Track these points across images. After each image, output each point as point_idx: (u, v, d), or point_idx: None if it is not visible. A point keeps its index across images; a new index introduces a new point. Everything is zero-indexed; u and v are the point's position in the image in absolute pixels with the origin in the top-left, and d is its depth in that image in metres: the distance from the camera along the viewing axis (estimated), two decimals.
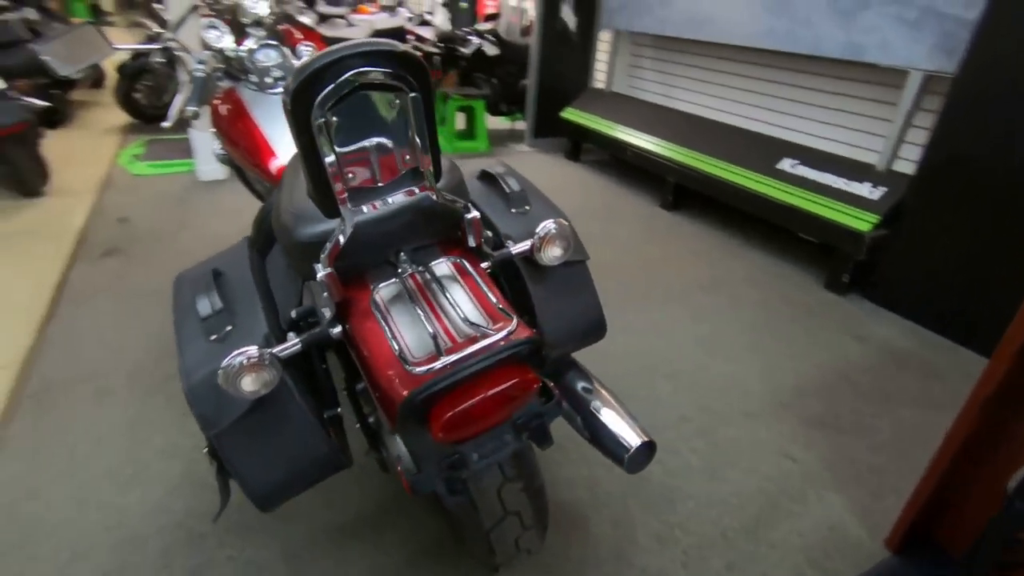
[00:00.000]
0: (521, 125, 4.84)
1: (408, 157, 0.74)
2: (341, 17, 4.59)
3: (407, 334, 0.76)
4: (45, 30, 3.79)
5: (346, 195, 0.72)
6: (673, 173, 3.37)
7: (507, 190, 1.14)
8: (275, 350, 0.78)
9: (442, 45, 4.42)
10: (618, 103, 4.12)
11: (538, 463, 1.03)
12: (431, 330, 0.74)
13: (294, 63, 1.66)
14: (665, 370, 1.96)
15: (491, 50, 4.50)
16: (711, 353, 2.08)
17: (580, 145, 4.39)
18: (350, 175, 0.72)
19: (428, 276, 0.84)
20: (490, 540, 0.96)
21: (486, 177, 1.20)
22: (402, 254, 0.86)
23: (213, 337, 0.85)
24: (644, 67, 4.13)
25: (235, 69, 1.68)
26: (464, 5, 6.28)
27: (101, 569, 1.20)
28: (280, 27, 3.58)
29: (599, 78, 4.52)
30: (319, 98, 0.63)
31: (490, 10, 5.88)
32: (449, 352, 0.71)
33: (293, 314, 0.90)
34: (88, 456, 1.49)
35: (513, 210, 1.11)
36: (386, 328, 0.76)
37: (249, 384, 0.76)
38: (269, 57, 1.64)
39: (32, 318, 2.01)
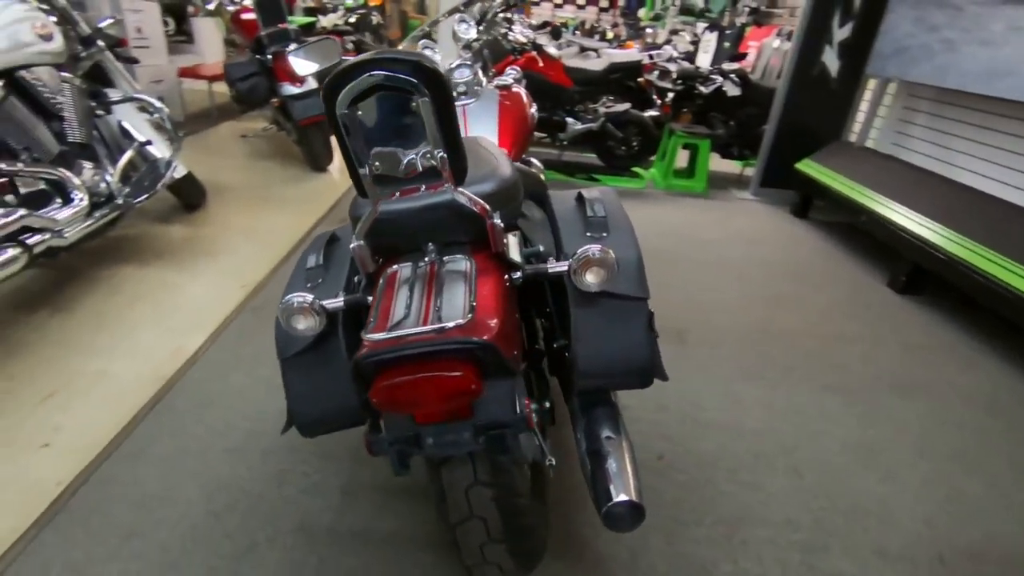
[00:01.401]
0: (751, 172, 4.50)
1: (428, 156, 0.83)
2: (594, 50, 4.90)
3: (394, 309, 0.85)
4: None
5: (371, 179, 0.84)
6: (915, 251, 2.77)
7: (589, 214, 1.15)
8: (325, 302, 0.95)
9: (680, 82, 4.38)
10: (869, 160, 3.54)
11: (525, 483, 1.01)
12: (406, 310, 0.81)
13: (483, 82, 1.89)
14: (791, 462, 1.66)
15: (732, 91, 4.29)
16: (863, 463, 1.68)
17: (810, 202, 3.89)
18: (376, 164, 0.83)
19: (441, 267, 0.92)
20: (456, 535, 0.98)
21: (579, 199, 1.22)
22: (431, 245, 0.95)
23: (308, 284, 1.06)
24: (915, 123, 3.47)
25: None
26: (727, 45, 6.10)
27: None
28: (525, 52, 3.98)
29: (854, 130, 3.94)
30: (341, 93, 0.76)
31: (751, 50, 5.59)
32: (397, 329, 0.78)
33: (356, 279, 1.06)
34: (259, 360, 1.93)
35: (589, 234, 1.11)
36: (380, 300, 0.86)
37: (298, 323, 0.93)
38: (463, 75, 1.89)
39: (276, 256, 2.67)
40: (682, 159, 4.54)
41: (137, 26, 4.10)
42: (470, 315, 0.77)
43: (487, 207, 0.90)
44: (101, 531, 1.31)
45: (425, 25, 2.03)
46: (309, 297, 0.90)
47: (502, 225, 0.93)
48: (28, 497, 1.36)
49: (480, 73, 1.91)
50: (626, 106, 4.24)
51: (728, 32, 6.16)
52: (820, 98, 3.94)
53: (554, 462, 1.18)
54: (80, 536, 1.29)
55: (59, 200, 2.01)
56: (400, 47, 1.92)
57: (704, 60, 6.36)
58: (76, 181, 2.05)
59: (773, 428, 1.80)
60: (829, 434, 1.80)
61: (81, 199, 2.05)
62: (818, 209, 3.93)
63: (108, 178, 2.25)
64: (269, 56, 3.37)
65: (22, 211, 1.77)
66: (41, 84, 2.09)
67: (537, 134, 4.72)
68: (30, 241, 1.80)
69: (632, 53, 4.68)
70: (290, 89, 3.36)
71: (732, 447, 1.70)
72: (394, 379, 0.75)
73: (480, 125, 1.74)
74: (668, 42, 6.76)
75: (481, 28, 2.00)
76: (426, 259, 0.93)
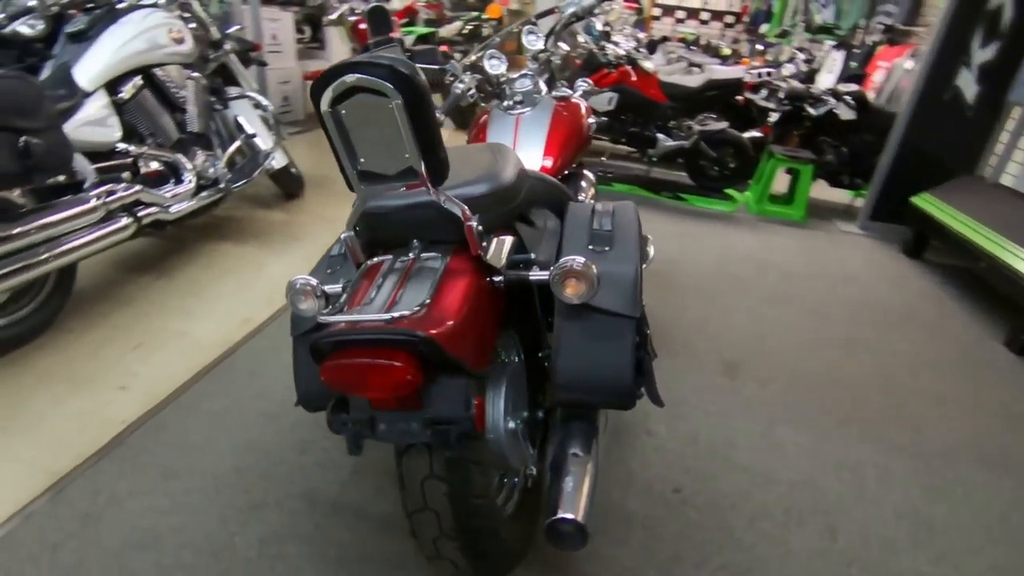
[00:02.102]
0: (861, 203, 4.10)
1: (407, 156, 0.87)
2: (699, 66, 4.74)
3: (362, 296, 0.89)
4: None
5: (356, 175, 0.89)
6: None
7: (595, 226, 1.13)
8: (326, 286, 1.02)
9: (787, 103, 4.10)
10: (1001, 200, 3.09)
11: (485, 484, 1.01)
12: (371, 299, 0.86)
13: (542, 92, 1.91)
14: (826, 523, 1.50)
15: (845, 114, 3.95)
16: (917, 539, 1.47)
17: (925, 241, 3.46)
18: (362, 160, 0.89)
19: (418, 263, 0.95)
20: (412, 523, 1.01)
21: (593, 211, 1.21)
22: (415, 242, 0.99)
23: (328, 271, 1.15)
24: None
25: (492, 91, 2.01)
26: (854, 65, 5.62)
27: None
28: (619, 66, 3.95)
29: (988, 164, 3.46)
30: (324, 94, 0.82)
31: (879, 71, 5.09)
32: (354, 314, 0.82)
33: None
34: None
35: (592, 247, 1.10)
36: (354, 287, 0.91)
37: (300, 303, 1.01)
38: (523, 85, 1.93)
39: None
40: (783, 184, 4.25)
41: (273, 33, 4.60)
42: (418, 309, 0.80)
43: (466, 210, 0.92)
44: (146, 469, 1.49)
45: (496, 36, 2.10)
46: (313, 281, 0.97)
47: (480, 228, 0.94)
48: (97, 429, 1.59)
49: (540, 83, 1.93)
50: (723, 125, 4.05)
51: (856, 51, 5.66)
52: (949, 126, 3.51)
53: (534, 471, 1.17)
54: (128, 470, 1.48)
55: (172, 180, 2.33)
56: (473, 57, 2.00)
57: (828, 80, 5.89)
58: (188, 165, 2.36)
59: (813, 482, 1.63)
60: (882, 501, 1.60)
61: (190, 181, 2.35)
62: (935, 250, 3.49)
63: (216, 164, 2.55)
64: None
65: (138, 187, 2.07)
66: (170, 80, 2.43)
67: (626, 149, 4.65)
68: (140, 213, 2.10)
69: (734, 70, 4.46)
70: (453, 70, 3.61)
71: (760, 494, 1.57)
72: (340, 360, 0.80)
73: (530, 133, 1.77)
74: (791, 60, 6.35)
75: (549, 41, 2.02)
76: (409, 255, 0.97)
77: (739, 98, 4.21)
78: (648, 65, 4.07)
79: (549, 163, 1.69)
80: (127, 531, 1.32)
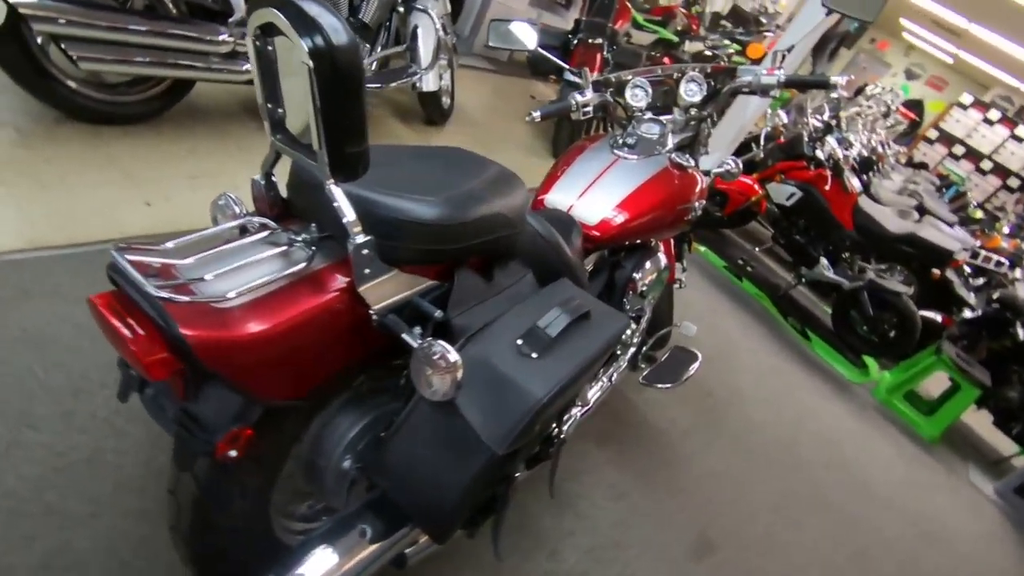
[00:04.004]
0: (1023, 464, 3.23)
1: (312, 131, 0.70)
2: (924, 212, 3.95)
3: (206, 251, 0.76)
4: None
5: (270, 121, 0.75)
6: None
7: (540, 323, 0.89)
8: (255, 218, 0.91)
9: (996, 305, 3.27)
10: None
11: (240, 507, 0.87)
12: (206, 256, 0.73)
13: (666, 147, 1.62)
14: None
15: None
16: None
17: None
18: (280, 110, 0.74)
19: (290, 250, 0.79)
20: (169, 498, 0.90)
21: (563, 303, 0.96)
22: (313, 227, 0.83)
23: None
24: None
25: (614, 118, 1.73)
26: None
27: None
28: (820, 167, 3.39)
29: None
30: (251, 18, 0.67)
31: None
32: (165, 258, 0.70)
33: None
34: None
35: (520, 343, 0.87)
36: (216, 239, 0.79)
37: (218, 219, 0.92)
38: (649, 130, 1.65)
39: None
40: (936, 385, 3.46)
41: None
42: (216, 299, 0.66)
43: (355, 225, 0.74)
44: (94, 277, 1.55)
45: (658, 69, 1.81)
46: (237, 208, 0.87)
47: (371, 253, 0.76)
48: (98, 226, 1.68)
49: (669, 138, 1.64)
50: (901, 288, 3.35)
51: None
52: None
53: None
54: (85, 272, 1.54)
55: None
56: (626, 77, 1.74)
57: None
58: None
59: None
60: None
61: None
62: None
63: (367, 60, 2.58)
64: (575, 40, 3.47)
65: None
66: None
67: (785, 257, 4.06)
68: None
69: (954, 239, 3.64)
70: (570, 77, 3.43)
71: None
72: (100, 299, 0.68)
73: (616, 181, 1.51)
74: None
75: (711, 101, 1.70)
76: (300, 236, 0.82)
77: (936, 271, 3.44)
78: (854, 183, 3.44)
79: (611, 220, 1.44)
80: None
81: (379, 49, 2.66)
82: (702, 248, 3.96)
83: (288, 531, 1.04)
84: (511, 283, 1.03)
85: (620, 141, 1.60)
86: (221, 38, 1.99)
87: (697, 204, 1.66)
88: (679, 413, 2.27)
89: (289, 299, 0.73)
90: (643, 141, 1.61)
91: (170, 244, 0.73)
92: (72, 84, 1.84)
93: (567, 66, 1.73)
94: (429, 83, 2.94)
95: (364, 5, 2.52)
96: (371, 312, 0.80)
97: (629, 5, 4.72)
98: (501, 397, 0.81)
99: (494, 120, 4.10)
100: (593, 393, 1.61)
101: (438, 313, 0.85)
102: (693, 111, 1.73)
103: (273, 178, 0.86)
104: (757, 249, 4.39)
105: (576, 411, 1.49)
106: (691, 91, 1.69)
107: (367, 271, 0.78)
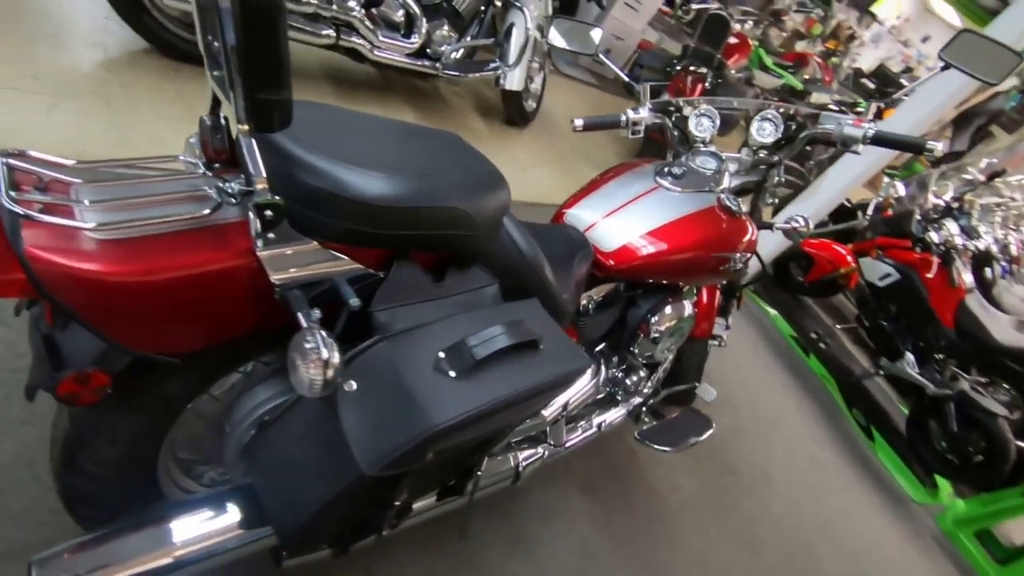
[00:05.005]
0: None
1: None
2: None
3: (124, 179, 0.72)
4: None
5: (205, 58, 0.68)
6: None
7: (471, 343, 0.77)
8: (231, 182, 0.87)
9: None
10: None
11: (113, 453, 0.81)
12: (117, 183, 0.68)
13: (721, 186, 1.43)
14: None
15: None
16: None
17: None
18: (217, 44, 0.67)
19: (209, 196, 0.72)
20: None
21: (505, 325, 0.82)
22: (243, 176, 0.76)
23: None
24: None
25: (672, 144, 1.56)
26: None
27: None
28: (925, 252, 2.97)
29: None
30: None
31: None
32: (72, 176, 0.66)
33: None
34: None
35: (442, 355, 0.75)
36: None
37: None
38: (705, 164, 1.46)
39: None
40: (1021, 530, 2.92)
41: None
42: (90, 226, 0.60)
43: (261, 175, 0.66)
44: None
45: (734, 102, 1.61)
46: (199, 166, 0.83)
47: (271, 215, 0.68)
48: (146, 153, 1.74)
49: (726, 177, 1.46)
50: (1000, 411, 2.84)
51: None
52: None
53: None
54: None
55: (400, 31, 2.39)
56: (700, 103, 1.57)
57: None
58: (423, 28, 2.40)
59: None
60: None
61: (413, 42, 2.39)
62: None
63: (453, 46, 2.56)
64: (678, 66, 3.28)
65: (356, 11, 2.15)
66: None
67: (867, 342, 3.61)
68: (343, 36, 2.20)
69: None
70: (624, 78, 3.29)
71: None
72: None
73: (649, 209, 1.35)
74: None
75: (786, 146, 1.49)
76: (232, 182, 0.75)
77: None
78: (965, 278, 2.97)
79: (631, 250, 1.29)
80: None
81: (467, 39, 2.63)
82: (771, 311, 3.62)
83: (181, 489, 0.98)
84: (465, 290, 0.91)
85: (666, 169, 1.43)
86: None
87: (740, 256, 1.45)
88: (686, 481, 2.03)
89: (171, 245, 0.66)
90: (692, 174, 1.44)
91: (75, 162, 0.68)
92: (163, 20, 1.94)
93: (626, 76, 1.59)
94: (513, 82, 2.87)
95: None
96: (274, 283, 0.72)
97: (751, 42, 4.43)
98: (392, 412, 0.70)
99: (578, 133, 3.98)
100: (573, 436, 1.45)
101: (354, 301, 0.75)
102: (763, 153, 1.53)
103: (223, 121, 0.80)
104: (838, 326, 3.95)
105: (542, 450, 1.34)
106: (764, 131, 1.50)
107: (271, 235, 0.69)
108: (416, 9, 2.35)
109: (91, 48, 1.91)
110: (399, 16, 2.37)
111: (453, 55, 2.56)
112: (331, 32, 2.15)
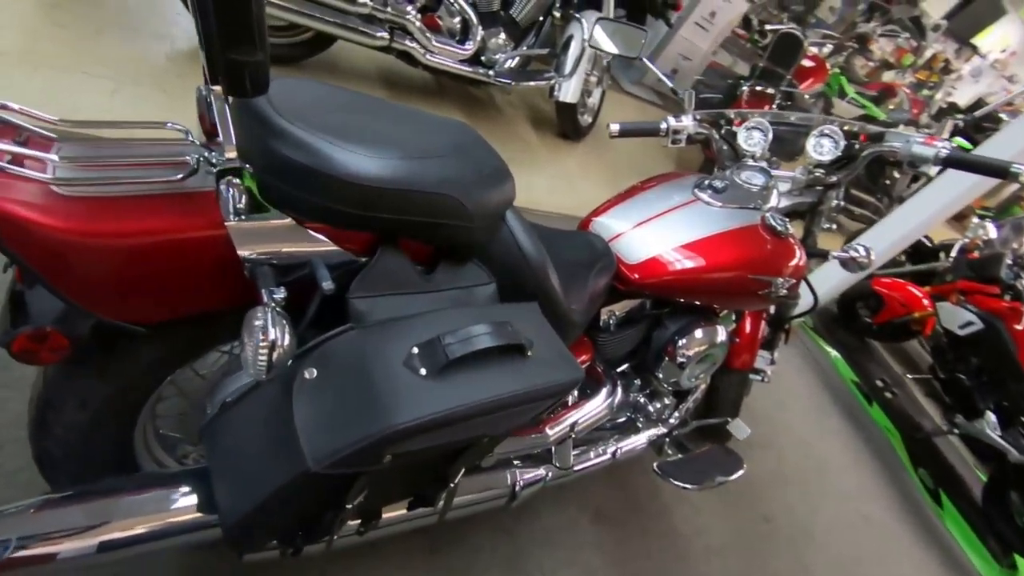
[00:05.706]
0: None
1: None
2: None
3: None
4: None
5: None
6: None
7: (446, 340, 0.70)
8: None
9: None
10: None
11: (78, 431, 0.80)
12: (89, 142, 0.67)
13: (767, 205, 1.31)
14: None
15: None
16: None
17: None
18: None
19: (191, 167, 0.69)
20: None
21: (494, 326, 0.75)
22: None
23: None
24: None
25: (718, 158, 1.45)
26: None
27: None
28: (1015, 300, 2.66)
29: None
30: None
31: None
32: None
33: None
34: None
35: (415, 351, 0.69)
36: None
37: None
38: (751, 179, 1.34)
39: (541, 204, 2.67)
40: None
41: (714, 10, 4.29)
42: (40, 178, 0.59)
43: (231, 142, 0.62)
44: None
45: (791, 115, 1.48)
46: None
47: (240, 184, 0.64)
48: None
49: (774, 196, 1.34)
50: None
51: None
52: None
53: None
54: None
55: (457, 38, 2.40)
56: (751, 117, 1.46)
57: None
58: (479, 35, 2.39)
59: None
60: None
61: (467, 48, 2.39)
62: None
63: (509, 54, 2.54)
64: (744, 87, 3.13)
65: (412, 16, 2.17)
66: None
67: (942, 395, 3.26)
68: (396, 38, 2.22)
69: None
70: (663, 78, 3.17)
71: None
72: None
73: (686, 222, 1.26)
74: None
75: (846, 166, 1.35)
76: (210, 156, 0.72)
77: None
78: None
79: (658, 265, 1.19)
80: None
81: (523, 48, 2.61)
82: (832, 351, 3.34)
83: (160, 466, 0.96)
84: (457, 286, 0.84)
85: (707, 182, 1.32)
86: (361, 0, 2.06)
87: (783, 281, 1.31)
88: (714, 524, 1.86)
89: (137, 209, 0.64)
90: (736, 188, 1.32)
91: (58, 119, 0.68)
92: None
93: (665, 77, 1.49)
94: (567, 93, 2.82)
95: (517, 1, 2.49)
96: (241, 257, 0.68)
97: (829, 67, 4.19)
98: (350, 406, 0.64)
99: (633, 150, 3.86)
100: (583, 460, 1.35)
101: (327, 284, 0.70)
102: (819, 172, 1.40)
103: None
104: (908, 376, 3.60)
105: (545, 471, 1.25)
106: (822, 147, 1.37)
107: (239, 206, 0.66)
108: (472, 16, 2.35)
109: (159, 40, 2.01)
110: (455, 23, 2.38)
111: (507, 63, 2.54)
112: (385, 34, 2.18)
